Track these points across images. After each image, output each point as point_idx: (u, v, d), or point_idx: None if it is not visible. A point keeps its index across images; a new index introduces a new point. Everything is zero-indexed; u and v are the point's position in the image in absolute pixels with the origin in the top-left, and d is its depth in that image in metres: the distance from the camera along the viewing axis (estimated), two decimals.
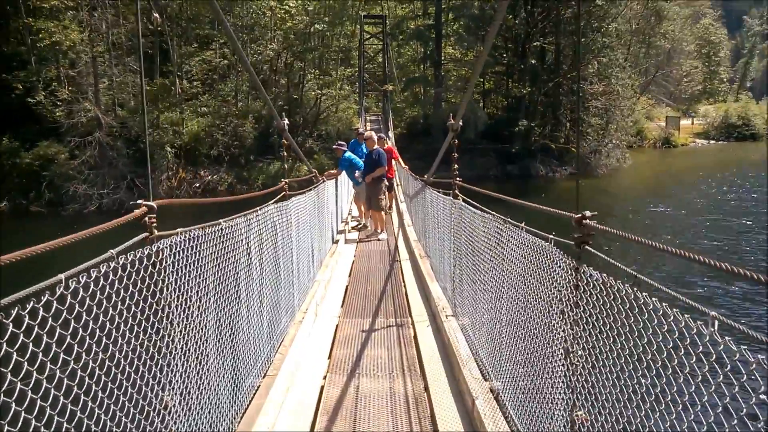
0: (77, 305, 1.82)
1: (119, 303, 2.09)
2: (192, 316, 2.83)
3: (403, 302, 7.17)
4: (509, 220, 3.71)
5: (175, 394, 2.60)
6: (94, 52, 27.15)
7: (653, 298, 1.82)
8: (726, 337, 1.47)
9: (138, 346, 2.22)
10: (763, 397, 1.43)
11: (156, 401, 2.42)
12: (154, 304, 2.41)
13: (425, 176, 8.91)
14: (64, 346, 1.75)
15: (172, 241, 2.63)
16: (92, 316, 1.90)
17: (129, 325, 2.16)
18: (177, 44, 30.78)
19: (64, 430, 1.74)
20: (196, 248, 2.94)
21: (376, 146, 11.04)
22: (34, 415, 1.60)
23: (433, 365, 5.01)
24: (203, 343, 3.01)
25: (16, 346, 1.52)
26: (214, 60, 32.35)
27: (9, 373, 1.50)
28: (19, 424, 1.55)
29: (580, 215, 2.42)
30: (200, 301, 2.98)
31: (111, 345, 2.02)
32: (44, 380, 1.63)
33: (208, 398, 3.12)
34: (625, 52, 44.15)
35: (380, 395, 4.51)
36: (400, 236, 11.44)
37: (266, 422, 3.89)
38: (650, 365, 1.88)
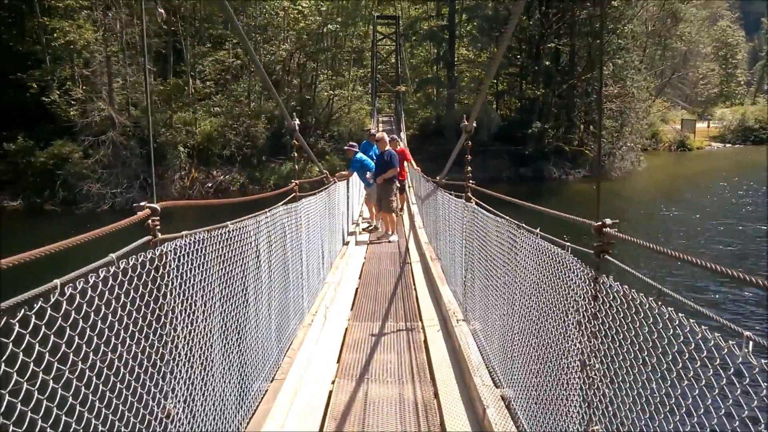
0: (73, 312, 1.75)
1: (119, 309, 2.02)
2: (197, 321, 2.76)
3: (413, 305, 7.08)
4: (523, 225, 3.60)
5: (179, 401, 2.52)
6: (108, 52, 27.29)
7: (679, 314, 1.71)
8: (762, 360, 1.37)
9: (139, 354, 2.14)
10: None
11: (158, 410, 2.35)
12: (157, 310, 2.33)
13: (437, 178, 8.81)
14: (59, 355, 1.67)
15: (176, 245, 2.56)
16: (90, 323, 1.83)
17: (130, 331, 2.09)
18: (190, 44, 30.89)
19: None
20: (202, 251, 2.86)
21: (387, 147, 10.95)
22: (24, 428, 1.53)
23: (444, 371, 4.92)
24: (208, 349, 2.94)
25: (5, 356, 1.44)
26: (227, 60, 32.43)
27: None
28: None
29: (600, 223, 2.31)
30: (205, 306, 2.91)
31: (110, 353, 1.95)
32: (35, 391, 1.56)
33: (213, 404, 3.04)
34: (640, 54, 43.68)
35: (389, 401, 4.42)
36: (411, 238, 11.35)
37: (274, 427, 3.81)
38: (675, 384, 1.78)
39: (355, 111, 37.23)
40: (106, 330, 1.94)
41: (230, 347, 3.34)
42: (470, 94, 38.81)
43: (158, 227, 2.39)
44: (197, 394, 2.76)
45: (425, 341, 5.74)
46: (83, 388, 1.80)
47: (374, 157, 11.48)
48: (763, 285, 1.39)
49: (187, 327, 2.62)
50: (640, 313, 1.97)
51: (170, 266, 2.47)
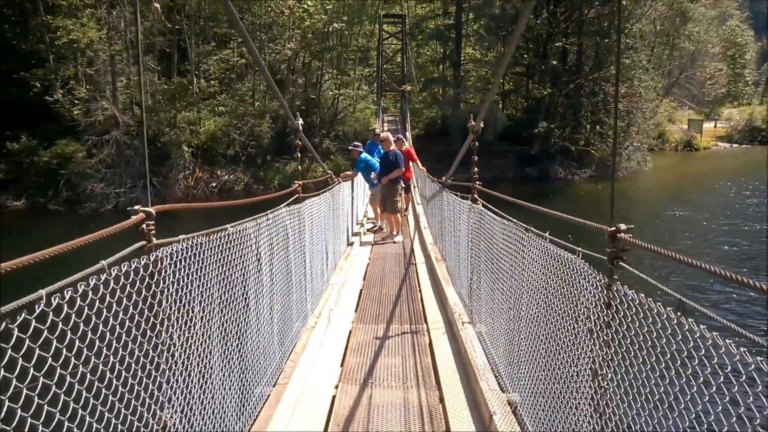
0: (61, 324, 1.66)
1: (111, 318, 1.93)
2: (195, 328, 2.67)
3: (418, 307, 6.99)
4: (532, 228, 3.50)
5: (175, 412, 2.43)
6: (111, 51, 27.25)
7: (701, 326, 1.62)
8: None
9: (133, 364, 2.06)
10: None
11: (153, 421, 2.26)
12: (152, 318, 2.25)
13: (443, 178, 8.72)
14: (44, 370, 1.59)
15: (172, 249, 2.47)
16: (79, 334, 1.74)
17: (123, 341, 2.00)
18: (195, 43, 30.84)
19: None
20: (200, 256, 2.77)
21: (392, 147, 10.86)
22: None
23: (449, 375, 4.83)
24: (207, 355, 2.85)
25: None
26: (231, 59, 32.37)
27: None
28: None
29: (614, 228, 2.21)
30: (204, 312, 2.82)
31: (101, 365, 1.86)
32: (18, 409, 1.47)
33: (213, 412, 2.96)
34: (648, 53, 43.39)
35: (394, 406, 4.34)
36: (416, 239, 11.26)
37: None
38: (696, 399, 1.68)
39: (360, 110, 37.13)
40: (97, 341, 1.85)
41: (230, 353, 3.25)
42: (476, 94, 38.64)
43: (153, 232, 2.30)
44: (195, 402, 2.67)
45: (430, 344, 5.65)
46: (72, 402, 1.71)
47: (379, 157, 11.40)
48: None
49: (184, 334, 2.53)
50: (657, 324, 1.87)
51: (166, 272, 2.38)
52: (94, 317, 1.83)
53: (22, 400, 1.50)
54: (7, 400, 1.42)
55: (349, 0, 35.47)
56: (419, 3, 46.09)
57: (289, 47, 32.61)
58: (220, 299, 3.10)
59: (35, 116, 26.17)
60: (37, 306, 1.55)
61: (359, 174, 11.86)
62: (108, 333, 1.91)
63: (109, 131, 26.47)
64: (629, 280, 2.30)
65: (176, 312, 2.45)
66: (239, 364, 3.43)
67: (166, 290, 2.37)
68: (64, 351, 1.68)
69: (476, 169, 6.13)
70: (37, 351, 1.57)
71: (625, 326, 2.12)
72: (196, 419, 2.72)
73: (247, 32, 4.94)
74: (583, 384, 2.56)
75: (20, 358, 1.48)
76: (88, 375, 1.79)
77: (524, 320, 3.72)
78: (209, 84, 30.95)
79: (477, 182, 5.95)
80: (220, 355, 3.08)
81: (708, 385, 1.62)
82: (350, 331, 6.11)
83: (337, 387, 4.68)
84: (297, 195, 5.82)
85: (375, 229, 12.26)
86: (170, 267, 2.43)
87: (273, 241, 4.39)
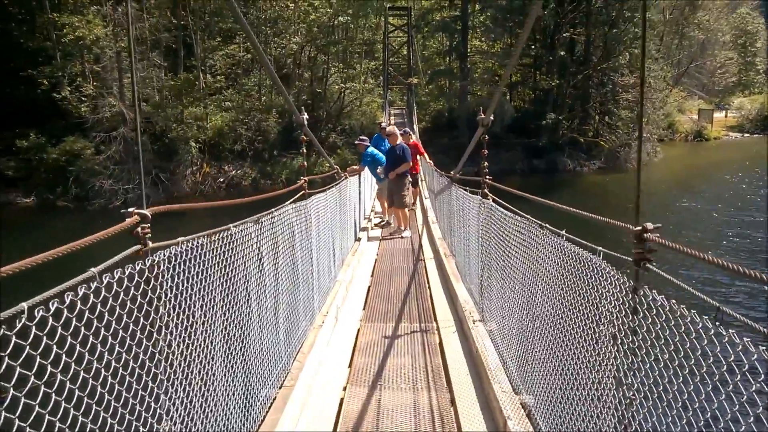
0: (45, 338, 1.53)
1: (102, 330, 1.80)
2: (196, 334, 2.54)
3: (427, 305, 6.85)
4: (547, 225, 3.35)
5: (174, 424, 2.31)
6: (117, 47, 27.17)
7: (744, 338, 1.47)
8: None
9: (127, 377, 1.93)
10: None
11: None
12: (148, 326, 2.12)
13: (451, 172, 8.56)
14: (27, 389, 1.46)
15: (171, 252, 2.34)
16: (65, 348, 1.61)
17: (116, 354, 1.87)
18: (201, 38, 30.71)
19: None
20: (200, 258, 2.64)
21: (399, 141, 10.71)
22: None
23: (461, 376, 4.70)
24: (209, 362, 2.72)
25: None
26: (237, 54, 32.25)
27: None
28: None
29: (640, 228, 2.06)
30: (205, 316, 2.69)
31: (91, 379, 1.74)
32: None
33: (216, 420, 2.84)
34: (657, 43, 42.88)
35: (404, 409, 4.21)
36: (425, 234, 11.12)
37: None
38: (738, 419, 1.53)
39: (366, 104, 36.94)
40: (87, 354, 1.72)
41: (234, 357, 3.12)
42: (483, 86, 38.35)
43: (148, 235, 2.16)
44: (196, 412, 2.55)
45: (440, 343, 5.52)
46: (58, 422, 1.58)
47: (385, 151, 11.24)
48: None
49: (184, 342, 2.40)
50: (691, 333, 1.72)
51: (163, 277, 2.25)
52: (83, 329, 1.70)
53: (1, 419, 1.38)
54: None
55: None
56: None
57: (294, 41, 32.44)
58: (223, 302, 2.97)
59: (43, 114, 26.18)
60: (17, 321, 1.42)
61: (366, 168, 11.71)
62: (99, 345, 1.78)
63: (117, 128, 26.43)
64: (655, 283, 2.15)
65: (175, 319, 2.32)
66: (243, 367, 3.31)
67: (163, 296, 2.24)
68: (49, 367, 1.55)
69: (486, 163, 5.97)
70: (18, 369, 1.45)
71: (654, 334, 1.97)
72: (198, 429, 2.59)
73: (251, 27, 4.81)
74: (605, 392, 2.42)
75: None
76: (77, 391, 1.66)
77: (539, 320, 3.57)
78: (215, 79, 30.85)
79: (487, 177, 5.80)
80: (223, 361, 2.96)
81: (753, 404, 1.47)
82: (358, 330, 5.99)
83: (345, 389, 4.55)
84: (303, 191, 5.69)
85: (383, 223, 12.13)
86: (168, 271, 2.30)
87: (278, 240, 4.26)
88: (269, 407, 3.87)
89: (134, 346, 2.00)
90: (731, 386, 1.54)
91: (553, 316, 3.21)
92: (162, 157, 27.70)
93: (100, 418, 1.77)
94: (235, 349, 3.15)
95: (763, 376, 1.41)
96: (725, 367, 1.56)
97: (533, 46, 35.15)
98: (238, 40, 32.51)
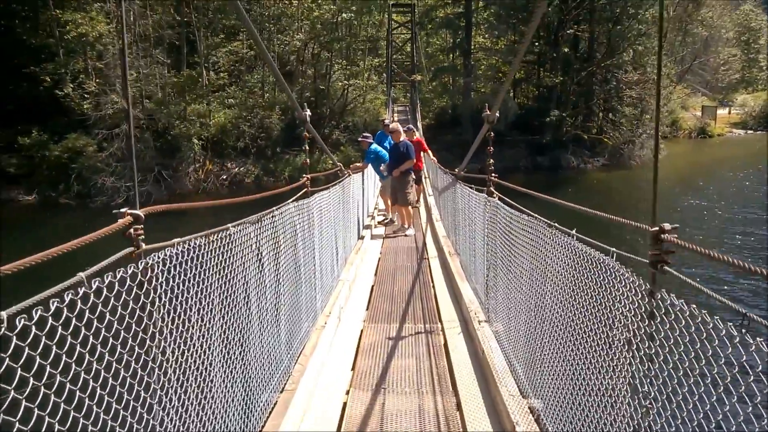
0: (27, 349, 1.44)
1: (91, 338, 1.71)
2: (192, 339, 2.45)
3: (432, 305, 6.75)
4: (556, 224, 3.25)
5: None
6: (120, 44, 27.09)
7: None
8: None
9: (118, 387, 1.83)
10: None
11: None
12: (141, 333, 2.02)
13: (456, 170, 8.45)
14: (7, 403, 1.37)
15: (165, 254, 2.24)
16: (50, 359, 1.52)
17: (105, 363, 1.78)
18: (204, 35, 30.62)
19: None
20: (197, 260, 2.54)
21: (402, 138, 10.60)
22: None
23: (466, 379, 4.59)
24: (206, 369, 2.62)
25: None
26: (240, 51, 32.15)
27: None
28: None
29: (657, 228, 1.96)
30: (202, 321, 2.59)
31: (78, 391, 1.64)
32: None
33: (214, 428, 2.74)
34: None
35: (408, 414, 4.11)
36: (429, 232, 11.01)
37: None
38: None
39: (370, 101, 36.83)
40: (74, 364, 1.63)
41: (233, 362, 3.02)
42: (487, 83, 38.19)
43: (141, 237, 2.07)
44: (192, 421, 2.45)
45: (445, 345, 5.42)
46: None
47: (389, 148, 11.14)
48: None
49: (179, 348, 2.31)
50: (714, 340, 1.62)
51: (158, 280, 2.15)
52: (69, 338, 1.61)
53: None
54: None
55: None
56: None
57: (297, 38, 32.33)
58: (222, 305, 2.87)
59: (46, 110, 26.14)
60: None
61: (369, 165, 11.62)
62: (87, 354, 1.69)
63: (119, 125, 26.34)
64: (671, 286, 2.05)
65: (170, 324, 2.23)
66: (242, 372, 3.22)
67: (157, 300, 2.15)
68: (31, 379, 1.46)
69: (491, 160, 5.86)
70: None
71: (672, 340, 1.87)
72: None
73: (254, 24, 4.71)
74: (619, 400, 2.32)
75: None
76: (62, 405, 1.57)
77: (547, 322, 3.47)
78: (218, 76, 30.75)
79: (493, 174, 5.69)
80: (222, 365, 2.86)
81: None
82: (361, 331, 5.89)
83: (348, 393, 4.45)
84: (305, 189, 5.59)
85: (386, 221, 12.03)
86: (163, 274, 2.20)
87: (280, 239, 4.16)
88: (270, 412, 3.78)
89: (126, 355, 1.90)
90: (759, 398, 1.44)
91: (563, 319, 3.11)
92: (165, 155, 27.63)
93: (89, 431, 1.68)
94: (235, 353, 3.06)
95: None
96: (752, 377, 1.46)
97: (537, 43, 34.95)
98: (242, 37, 32.40)
